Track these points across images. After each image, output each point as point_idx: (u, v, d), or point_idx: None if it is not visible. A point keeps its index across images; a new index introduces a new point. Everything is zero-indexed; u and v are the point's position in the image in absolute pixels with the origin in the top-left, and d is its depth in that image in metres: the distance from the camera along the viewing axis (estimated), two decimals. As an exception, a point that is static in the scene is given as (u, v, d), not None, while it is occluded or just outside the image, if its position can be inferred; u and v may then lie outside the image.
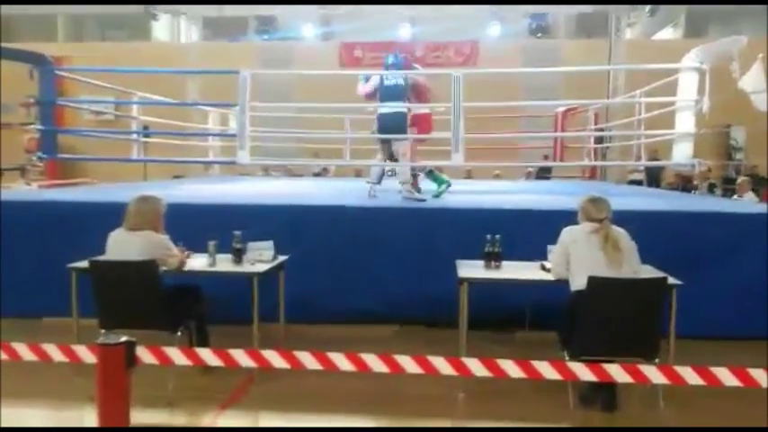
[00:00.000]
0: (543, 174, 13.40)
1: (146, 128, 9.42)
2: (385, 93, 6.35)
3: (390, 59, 6.60)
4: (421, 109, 6.76)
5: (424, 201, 5.91)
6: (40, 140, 8.36)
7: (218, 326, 4.10)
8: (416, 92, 6.78)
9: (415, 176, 7.49)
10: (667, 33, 18.67)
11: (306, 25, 16.97)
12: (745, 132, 14.97)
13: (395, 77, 6.34)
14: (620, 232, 3.48)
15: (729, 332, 4.52)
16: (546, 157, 11.49)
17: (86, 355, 2.11)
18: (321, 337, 4.54)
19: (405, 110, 6.27)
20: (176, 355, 2.11)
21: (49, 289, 4.39)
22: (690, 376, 1.88)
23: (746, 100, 6.09)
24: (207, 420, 3.37)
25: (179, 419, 3.42)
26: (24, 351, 2.13)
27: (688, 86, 6.03)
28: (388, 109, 6.24)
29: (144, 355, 2.09)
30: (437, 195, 6.57)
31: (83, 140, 11.89)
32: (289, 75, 15.30)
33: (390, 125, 6.23)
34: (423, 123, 6.77)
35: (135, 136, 9.26)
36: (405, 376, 2.16)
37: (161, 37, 18.66)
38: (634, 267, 3.47)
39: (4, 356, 2.13)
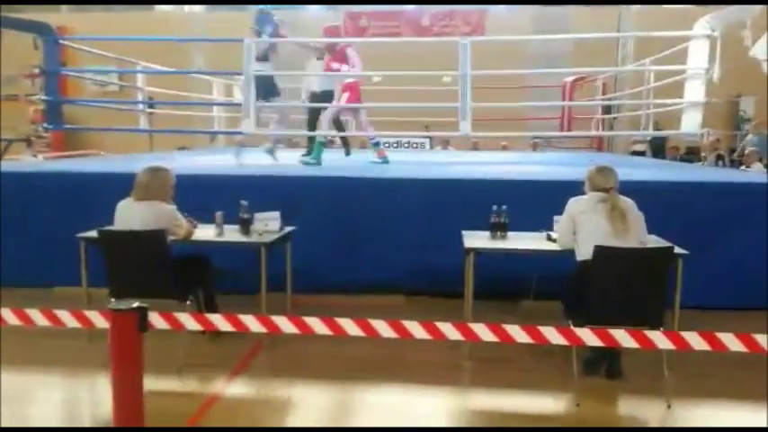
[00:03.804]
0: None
1: (150, 98, 9.39)
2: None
3: (256, 19, 6.62)
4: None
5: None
6: (45, 111, 8.35)
7: (226, 296, 4.15)
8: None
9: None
10: None
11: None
12: (754, 102, 14.78)
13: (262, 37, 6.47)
14: (627, 202, 3.46)
15: (735, 303, 4.53)
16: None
17: (99, 320, 2.14)
18: (327, 307, 4.58)
19: (268, 72, 6.42)
20: (187, 320, 2.14)
21: (60, 259, 4.43)
22: (695, 341, 1.89)
23: (758, 69, 5.99)
24: (218, 387, 3.43)
25: (190, 386, 3.48)
26: (37, 317, 2.17)
27: (698, 54, 5.94)
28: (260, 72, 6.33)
29: (156, 320, 2.12)
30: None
31: (85, 112, 11.88)
32: (294, 44, 15.12)
33: (259, 90, 6.32)
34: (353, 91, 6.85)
35: (140, 107, 9.25)
36: (411, 343, 2.18)
37: (165, 6, 18.46)
38: (641, 237, 3.46)
39: (18, 322, 2.16)
